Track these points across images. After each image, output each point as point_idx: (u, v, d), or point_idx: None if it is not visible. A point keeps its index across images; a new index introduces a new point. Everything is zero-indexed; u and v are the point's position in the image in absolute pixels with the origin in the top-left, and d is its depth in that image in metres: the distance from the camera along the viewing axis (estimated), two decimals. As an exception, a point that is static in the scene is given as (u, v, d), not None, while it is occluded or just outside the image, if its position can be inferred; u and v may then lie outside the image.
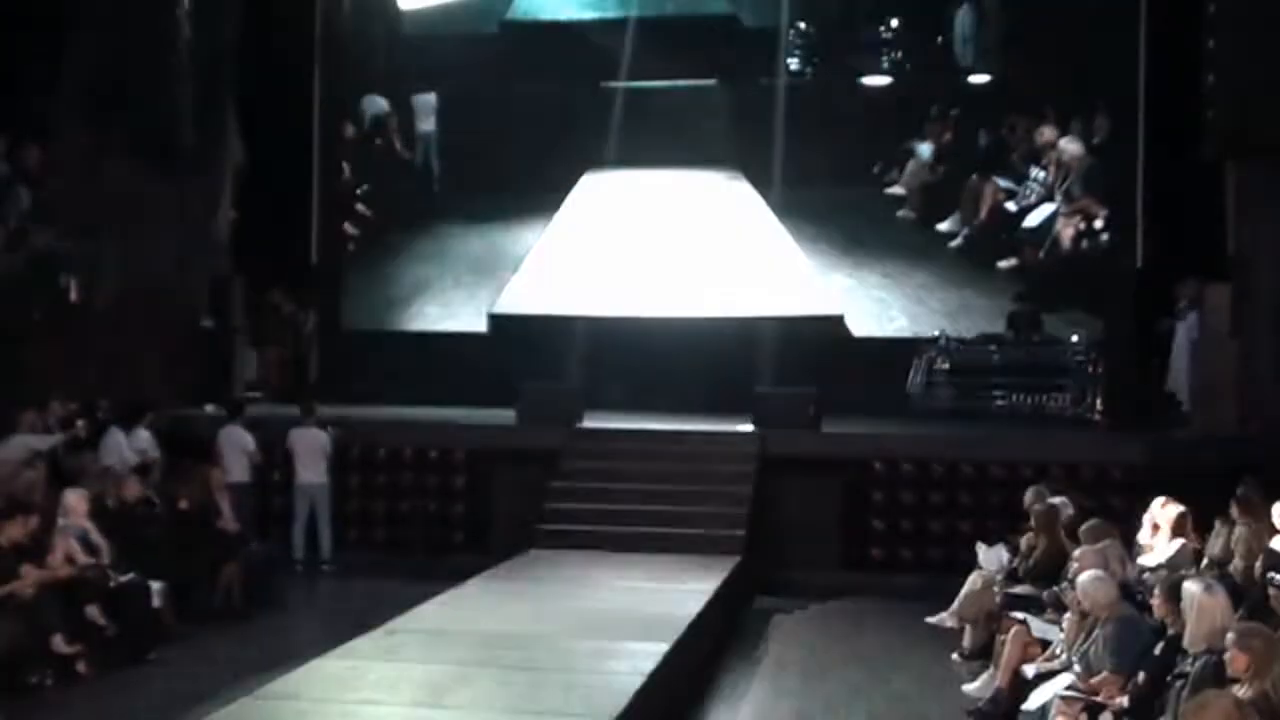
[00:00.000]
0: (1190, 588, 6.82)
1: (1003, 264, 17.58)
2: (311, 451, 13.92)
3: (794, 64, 18.41)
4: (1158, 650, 7.09)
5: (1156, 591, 7.48)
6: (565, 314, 18.15)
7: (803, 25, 18.40)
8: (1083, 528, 9.69)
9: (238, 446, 13.76)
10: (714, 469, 13.71)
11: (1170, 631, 7.12)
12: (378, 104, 19.17)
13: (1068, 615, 8.29)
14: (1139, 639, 7.41)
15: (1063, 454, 13.80)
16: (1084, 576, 7.90)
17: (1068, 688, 7.42)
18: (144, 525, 11.22)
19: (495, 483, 14.54)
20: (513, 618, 9.54)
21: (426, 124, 19.05)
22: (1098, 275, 17.13)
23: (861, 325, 17.67)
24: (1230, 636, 6.10)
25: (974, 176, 17.78)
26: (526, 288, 18.53)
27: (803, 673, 10.16)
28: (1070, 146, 17.30)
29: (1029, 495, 11.49)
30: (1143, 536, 10.17)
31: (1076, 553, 8.85)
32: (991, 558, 11.18)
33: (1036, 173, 17.46)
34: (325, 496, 13.96)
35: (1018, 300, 16.78)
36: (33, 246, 14.69)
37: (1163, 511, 9.99)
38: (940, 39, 18.13)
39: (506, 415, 14.87)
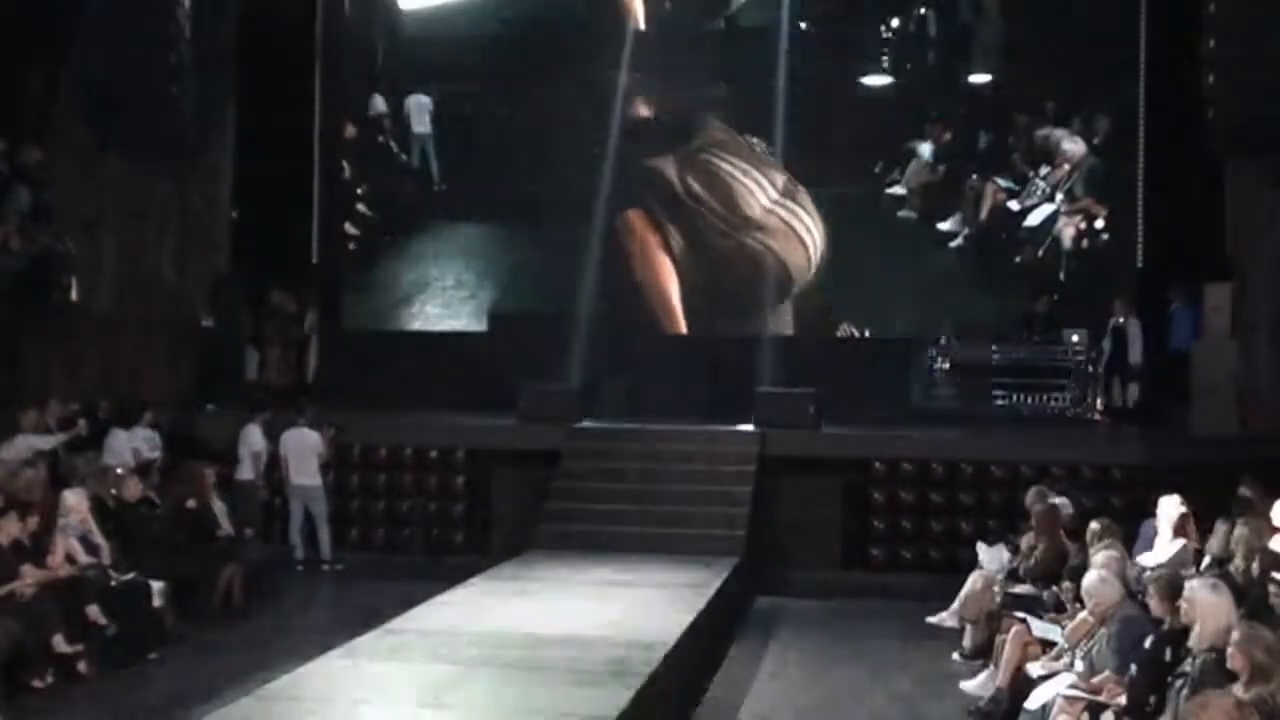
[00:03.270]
0: (1197, 588, 6.83)
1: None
2: (303, 453, 13.90)
3: (794, 64, 18.38)
4: (1148, 644, 7.09)
5: (1152, 590, 7.49)
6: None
7: (803, 25, 18.38)
8: (1090, 528, 9.69)
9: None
10: (714, 469, 13.71)
11: (1164, 628, 7.13)
12: (379, 104, 19.17)
13: (1080, 614, 8.27)
14: (1142, 639, 7.40)
15: (1063, 454, 13.81)
16: (1090, 576, 7.91)
17: (1070, 686, 7.43)
18: (144, 525, 11.22)
19: (495, 483, 14.56)
20: (512, 618, 9.53)
21: (421, 125, 19.03)
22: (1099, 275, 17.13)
23: (861, 325, 17.65)
24: (1235, 636, 6.10)
25: (974, 176, 17.77)
26: (527, 287, 18.52)
27: (803, 673, 10.16)
28: (1072, 146, 17.30)
29: (1030, 495, 11.50)
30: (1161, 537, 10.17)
31: (1098, 558, 8.83)
32: (992, 557, 11.20)
33: (1044, 170, 17.45)
34: (320, 497, 13.94)
35: (1034, 299, 16.79)
36: (33, 246, 14.69)
37: (1168, 510, 9.98)
38: (939, 38, 18.11)
39: (506, 416, 14.87)
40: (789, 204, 15.96)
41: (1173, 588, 7.36)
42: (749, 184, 15.16)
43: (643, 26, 18.31)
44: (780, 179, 16.15)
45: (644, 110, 15.99)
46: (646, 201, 15.68)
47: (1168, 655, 6.91)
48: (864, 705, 9.24)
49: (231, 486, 13.40)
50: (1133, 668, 7.09)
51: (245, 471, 13.68)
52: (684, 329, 15.99)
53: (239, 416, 14.59)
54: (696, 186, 14.87)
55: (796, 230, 15.14)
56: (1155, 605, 7.35)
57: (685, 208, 15.41)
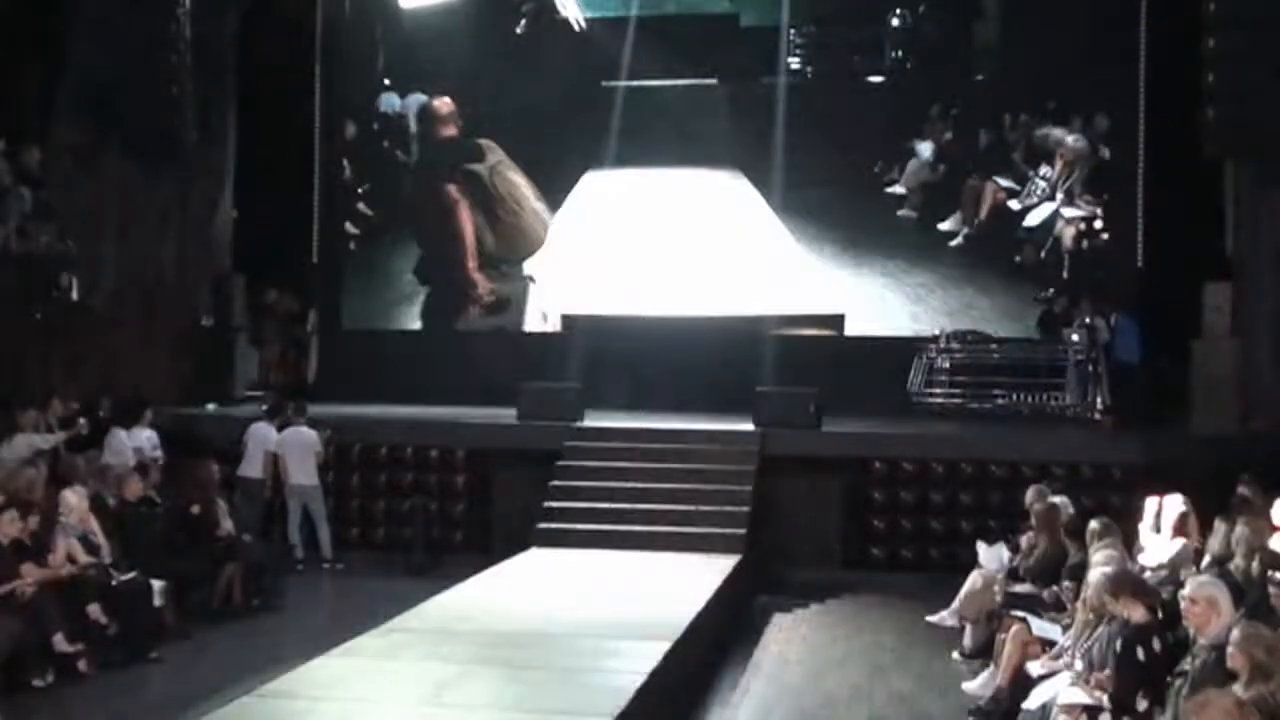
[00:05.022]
0: (1209, 586, 6.85)
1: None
2: (302, 452, 13.90)
3: (794, 63, 18.40)
4: (1119, 646, 7.10)
5: (1108, 589, 7.50)
6: (565, 313, 18.18)
7: (803, 24, 18.40)
8: (1090, 527, 9.69)
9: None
10: (714, 468, 13.71)
11: (1130, 626, 7.14)
12: (392, 103, 19.18)
13: (1080, 614, 8.27)
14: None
15: (1063, 454, 13.81)
16: (1094, 574, 7.92)
17: (1069, 685, 7.42)
18: (145, 525, 11.22)
19: (495, 483, 14.57)
20: (513, 617, 9.54)
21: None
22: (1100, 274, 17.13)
23: (861, 325, 17.67)
24: (1235, 635, 6.10)
25: (974, 176, 17.78)
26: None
27: (803, 672, 10.15)
28: (1072, 145, 17.31)
29: (1030, 494, 11.50)
30: (1144, 528, 10.18)
31: (1097, 557, 8.83)
32: (992, 556, 11.19)
33: (1044, 170, 17.46)
34: (318, 497, 13.94)
35: (1045, 301, 16.80)
36: (33, 246, 14.70)
37: (1169, 509, 9.97)
38: (938, 37, 18.11)
39: (507, 415, 14.88)
40: (542, 205, 18.51)
41: (1134, 585, 7.38)
42: (522, 183, 18.47)
43: None
44: (522, 178, 18.57)
45: (452, 129, 18.71)
46: (467, 192, 18.56)
47: (1140, 654, 6.92)
48: (864, 705, 9.24)
49: (236, 484, 13.43)
50: (1106, 670, 7.12)
51: (254, 470, 13.70)
52: (476, 274, 18.46)
53: (239, 416, 14.59)
54: (500, 188, 18.37)
55: (544, 220, 18.43)
56: (1113, 604, 7.35)
57: (492, 198, 18.45)
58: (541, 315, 18.40)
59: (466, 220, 18.30)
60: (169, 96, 15.67)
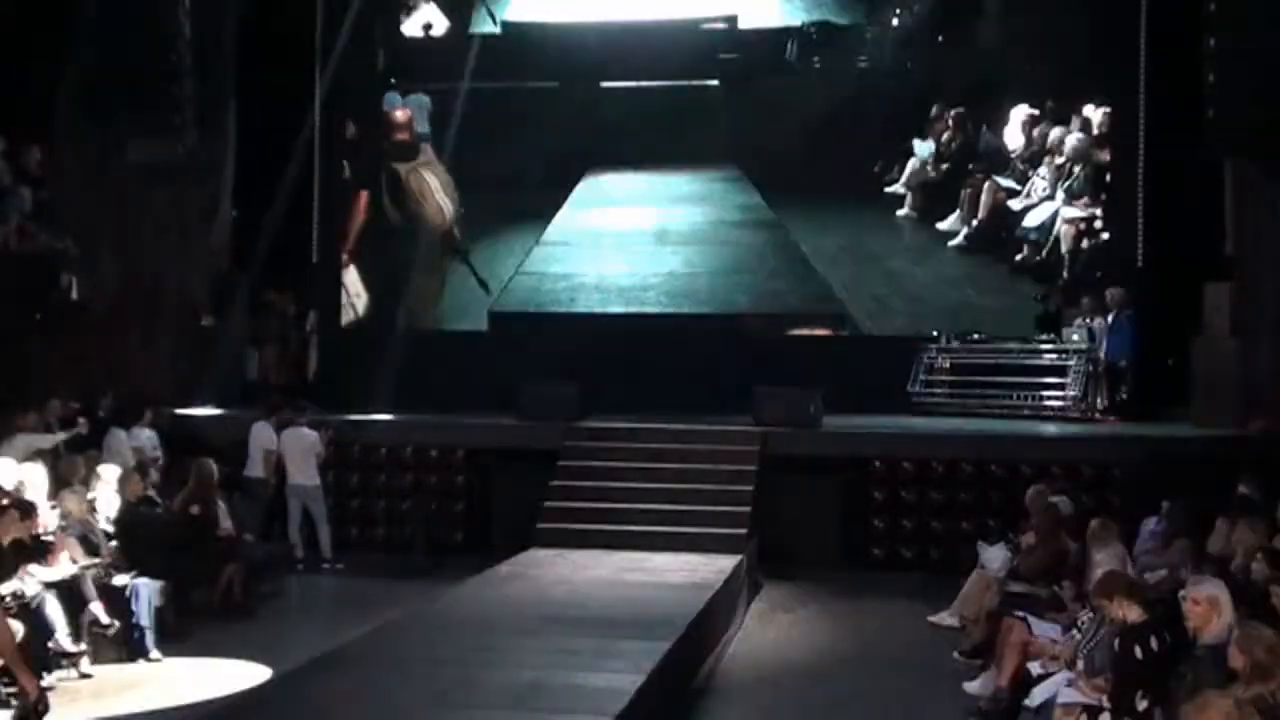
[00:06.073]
0: (1209, 586, 6.86)
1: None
2: (302, 453, 13.90)
3: (795, 63, 18.39)
4: (1116, 645, 7.11)
5: (1099, 590, 7.51)
6: (565, 312, 18.19)
7: (803, 24, 18.39)
8: (1090, 527, 9.70)
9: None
10: (714, 468, 13.71)
11: (1127, 625, 7.15)
12: (393, 102, 19.19)
13: (1079, 614, 8.28)
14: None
15: (1063, 454, 13.81)
16: (1098, 574, 7.92)
17: (1069, 685, 7.43)
18: (144, 525, 11.21)
19: (495, 482, 14.57)
20: (512, 617, 9.54)
21: (421, 125, 19.07)
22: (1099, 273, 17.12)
23: (861, 325, 17.67)
24: (1235, 635, 6.11)
25: (974, 176, 17.77)
26: (527, 287, 18.58)
27: (803, 672, 10.16)
28: (1072, 144, 17.31)
29: (1030, 494, 11.50)
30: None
31: (1098, 557, 8.84)
32: (992, 556, 11.19)
33: (1044, 170, 17.46)
34: (318, 497, 13.94)
35: (1044, 300, 16.82)
36: (33, 246, 14.71)
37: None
38: (938, 36, 18.10)
39: (506, 415, 14.88)
40: (447, 197, 19.21)
41: (1126, 586, 7.38)
42: (434, 184, 19.07)
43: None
44: (444, 177, 19.14)
45: (405, 135, 19.29)
46: (385, 186, 19.48)
47: (1139, 653, 6.92)
48: (864, 705, 9.25)
49: (240, 484, 13.43)
50: (1107, 672, 7.13)
51: (256, 469, 13.72)
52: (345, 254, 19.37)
53: (239, 416, 14.60)
54: (412, 183, 19.15)
55: (445, 213, 19.11)
56: (1107, 606, 7.35)
57: (402, 190, 19.19)
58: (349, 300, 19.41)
59: (359, 211, 19.28)
60: (169, 96, 15.67)
